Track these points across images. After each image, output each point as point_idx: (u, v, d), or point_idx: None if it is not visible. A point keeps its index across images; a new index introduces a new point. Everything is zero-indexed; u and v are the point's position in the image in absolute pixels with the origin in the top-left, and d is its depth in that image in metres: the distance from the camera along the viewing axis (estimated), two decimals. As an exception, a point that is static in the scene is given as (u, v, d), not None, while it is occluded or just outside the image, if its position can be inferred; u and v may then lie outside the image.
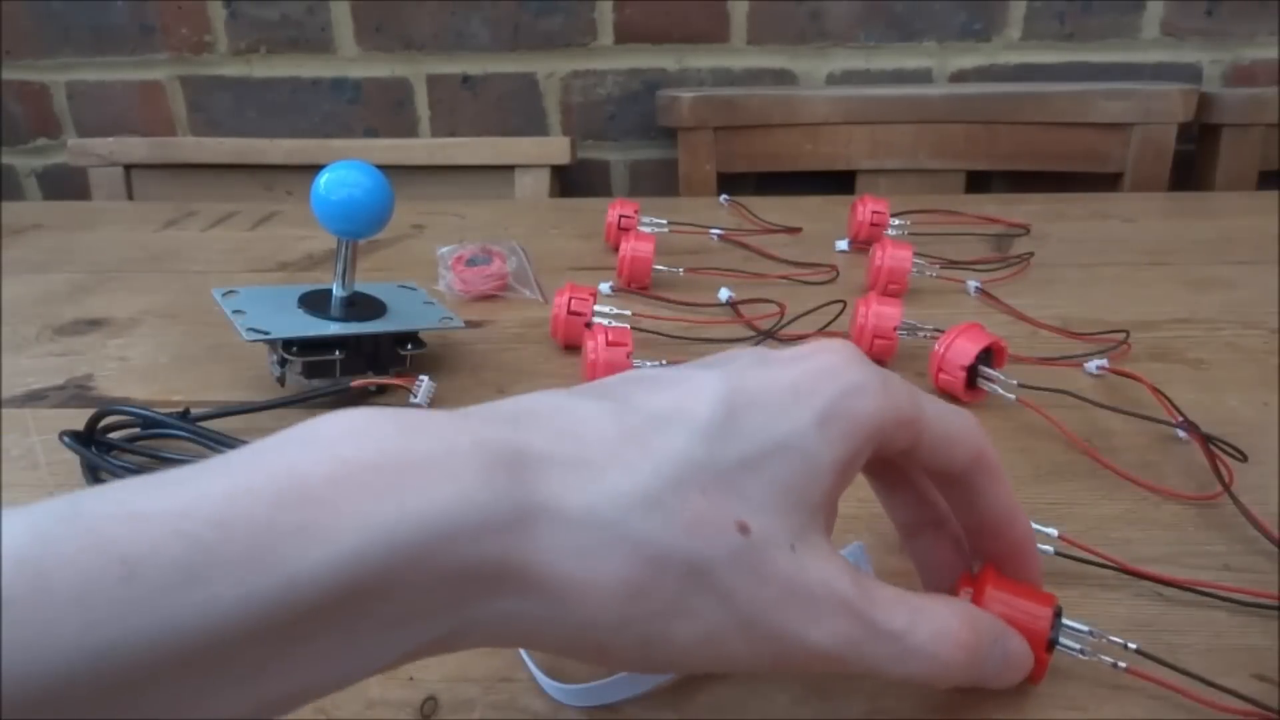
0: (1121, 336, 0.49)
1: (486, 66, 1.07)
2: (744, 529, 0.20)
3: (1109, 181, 0.98)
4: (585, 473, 0.20)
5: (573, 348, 0.51)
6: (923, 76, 1.04)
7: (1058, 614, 0.26)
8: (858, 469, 0.23)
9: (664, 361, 0.45)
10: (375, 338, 0.46)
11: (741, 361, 0.23)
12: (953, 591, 0.26)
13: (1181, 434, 0.39)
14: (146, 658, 0.15)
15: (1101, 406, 0.42)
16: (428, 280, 0.60)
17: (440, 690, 0.27)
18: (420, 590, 0.18)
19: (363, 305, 0.48)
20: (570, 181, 1.09)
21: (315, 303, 0.47)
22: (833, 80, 1.05)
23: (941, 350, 0.44)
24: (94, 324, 0.58)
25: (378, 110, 1.10)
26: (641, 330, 0.50)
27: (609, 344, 0.44)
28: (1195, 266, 0.63)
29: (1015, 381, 0.43)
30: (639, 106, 1.07)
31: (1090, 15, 1.00)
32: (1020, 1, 1.00)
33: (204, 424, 0.40)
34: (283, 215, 0.83)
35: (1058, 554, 0.30)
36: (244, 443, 0.19)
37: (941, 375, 0.44)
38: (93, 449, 0.38)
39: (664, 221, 0.69)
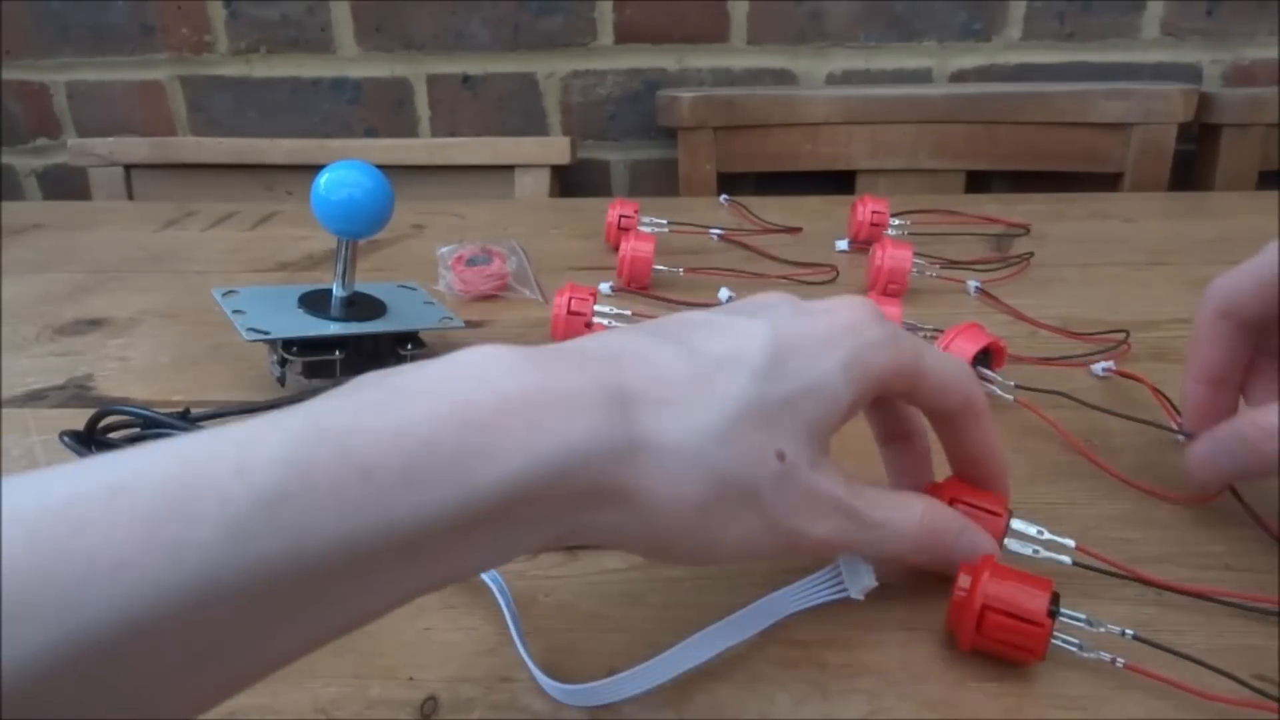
0: (1121, 336, 0.49)
1: (486, 66, 1.07)
2: (781, 456, 0.25)
3: (1109, 181, 0.98)
4: (671, 410, 0.24)
5: (573, 348, 0.51)
6: (923, 76, 1.04)
7: (1055, 600, 0.27)
8: (863, 406, 0.28)
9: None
10: (375, 338, 0.46)
11: (781, 311, 0.28)
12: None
13: (1182, 439, 0.39)
14: (378, 545, 0.19)
15: (1098, 409, 0.41)
16: (428, 280, 0.60)
17: (440, 690, 0.28)
18: (556, 503, 0.22)
19: (363, 305, 0.48)
20: (570, 181, 1.09)
21: (315, 303, 0.47)
22: (833, 80, 1.05)
23: (940, 350, 0.44)
24: (94, 324, 0.58)
25: (378, 110, 1.10)
26: (641, 330, 0.50)
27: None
28: (1195, 266, 0.63)
29: (1013, 383, 0.43)
30: (639, 106, 1.07)
31: (1090, 15, 1.00)
32: (1020, 1, 1.00)
33: (204, 424, 0.40)
34: (283, 215, 0.83)
35: (1075, 564, 0.30)
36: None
37: None
38: (93, 449, 0.38)
39: (664, 221, 0.69)
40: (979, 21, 1.01)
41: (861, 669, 0.28)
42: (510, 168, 1.04)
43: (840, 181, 1.02)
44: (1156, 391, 0.42)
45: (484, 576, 0.30)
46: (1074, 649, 0.27)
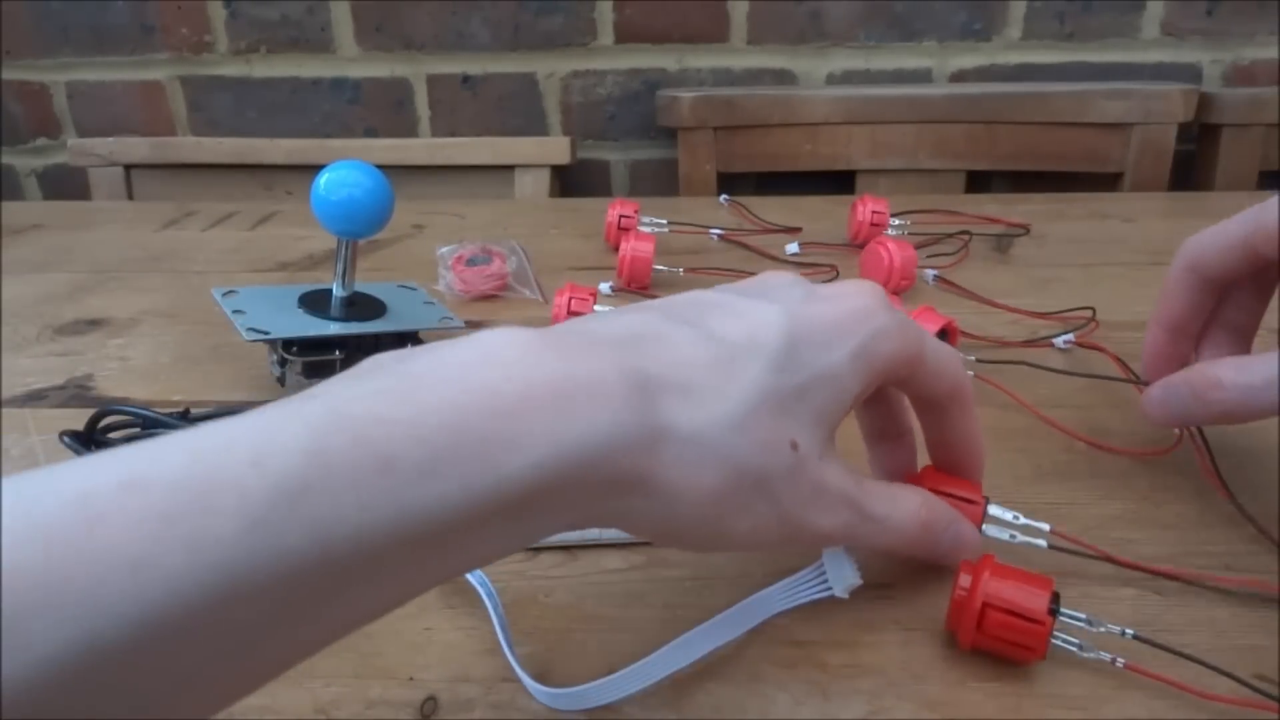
0: (1089, 314, 0.52)
1: (486, 66, 1.07)
2: (794, 446, 0.25)
3: (1109, 181, 0.98)
4: (691, 398, 0.23)
5: (573, 348, 0.51)
6: (923, 76, 1.04)
7: (1055, 599, 0.27)
8: (869, 393, 0.28)
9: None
10: (375, 338, 0.46)
11: (794, 294, 0.27)
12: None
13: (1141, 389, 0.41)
14: (400, 535, 0.18)
15: (1054, 371, 0.44)
16: (428, 280, 0.60)
17: (440, 690, 0.27)
18: (579, 491, 0.21)
19: (363, 305, 0.48)
20: (570, 181, 1.09)
21: (315, 303, 0.47)
22: (833, 80, 1.05)
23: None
24: (94, 324, 0.58)
25: (378, 110, 1.10)
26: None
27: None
28: (1195, 266, 0.63)
29: (973, 358, 0.44)
30: (639, 106, 1.07)
31: (1090, 15, 1.00)
32: (1020, 1, 1.00)
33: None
34: (283, 215, 0.83)
35: (1051, 547, 0.31)
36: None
37: None
38: (93, 449, 0.38)
39: (664, 221, 0.69)
40: (979, 21, 1.01)
41: (861, 669, 0.28)
42: (510, 168, 1.04)
43: (840, 181, 1.02)
44: (1118, 360, 0.44)
45: (473, 582, 0.30)
46: (1074, 649, 0.27)
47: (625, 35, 1.04)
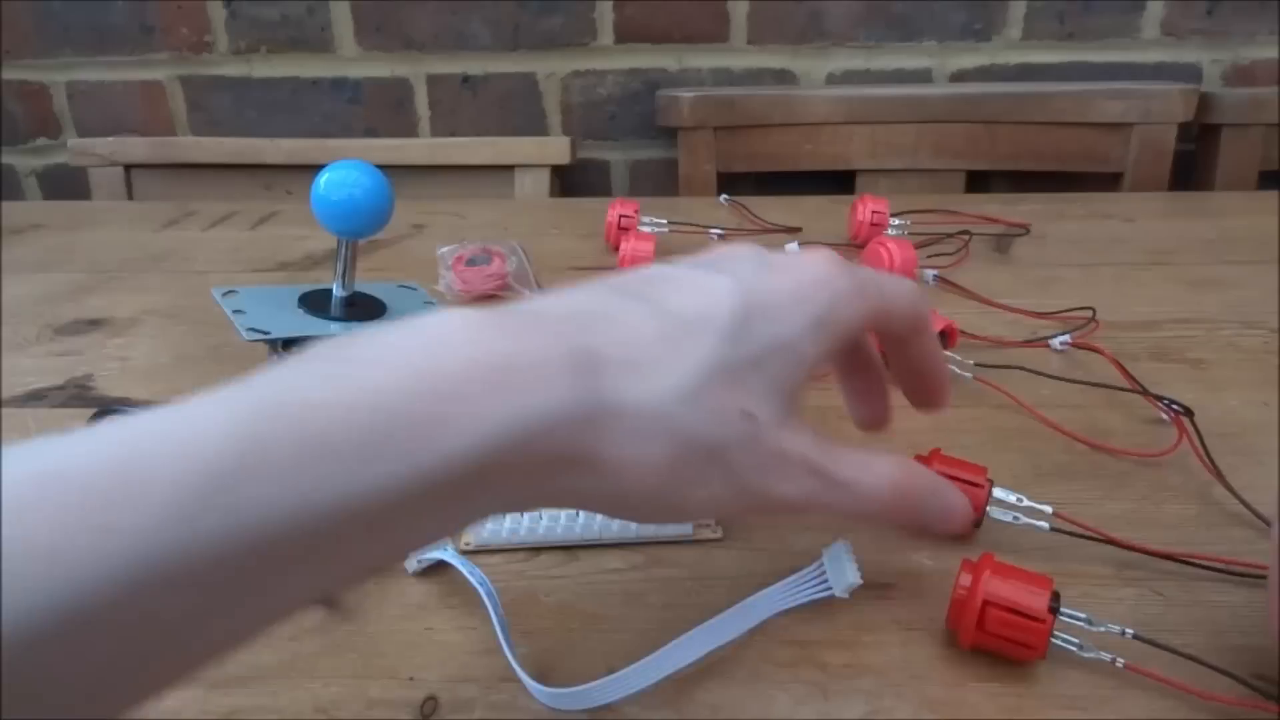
0: (1089, 314, 0.51)
1: (486, 66, 1.07)
2: (749, 416, 0.24)
3: (1109, 181, 0.98)
4: (638, 373, 0.23)
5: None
6: (923, 76, 1.04)
7: (1055, 598, 0.27)
8: (833, 358, 0.28)
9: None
10: (375, 338, 0.46)
11: (749, 266, 0.26)
12: (877, 418, 0.32)
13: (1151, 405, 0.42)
14: (336, 519, 0.18)
15: (1053, 377, 0.44)
16: (428, 280, 0.60)
17: (440, 690, 0.27)
18: (522, 470, 0.21)
19: (363, 305, 0.48)
20: (570, 181, 1.09)
21: (315, 303, 0.47)
22: (833, 80, 1.05)
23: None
24: (94, 324, 0.58)
25: (378, 110, 1.10)
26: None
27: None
28: (1195, 266, 0.63)
29: (972, 361, 0.44)
30: (639, 106, 1.07)
31: (1090, 15, 1.00)
32: (1020, 1, 1.00)
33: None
34: (283, 215, 0.83)
35: (1053, 529, 0.32)
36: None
37: None
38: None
39: (664, 221, 0.69)
40: (979, 21, 1.01)
41: (861, 669, 0.28)
42: (510, 168, 1.04)
43: (840, 181, 1.02)
44: (1115, 361, 0.44)
45: (473, 582, 0.30)
46: (1074, 648, 0.27)
47: (625, 35, 1.04)
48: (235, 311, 0.45)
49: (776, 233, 0.71)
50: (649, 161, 1.10)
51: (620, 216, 0.68)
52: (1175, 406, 0.40)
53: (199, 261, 0.71)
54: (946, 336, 0.46)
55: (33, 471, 0.17)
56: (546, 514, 0.34)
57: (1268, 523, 0.33)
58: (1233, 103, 0.96)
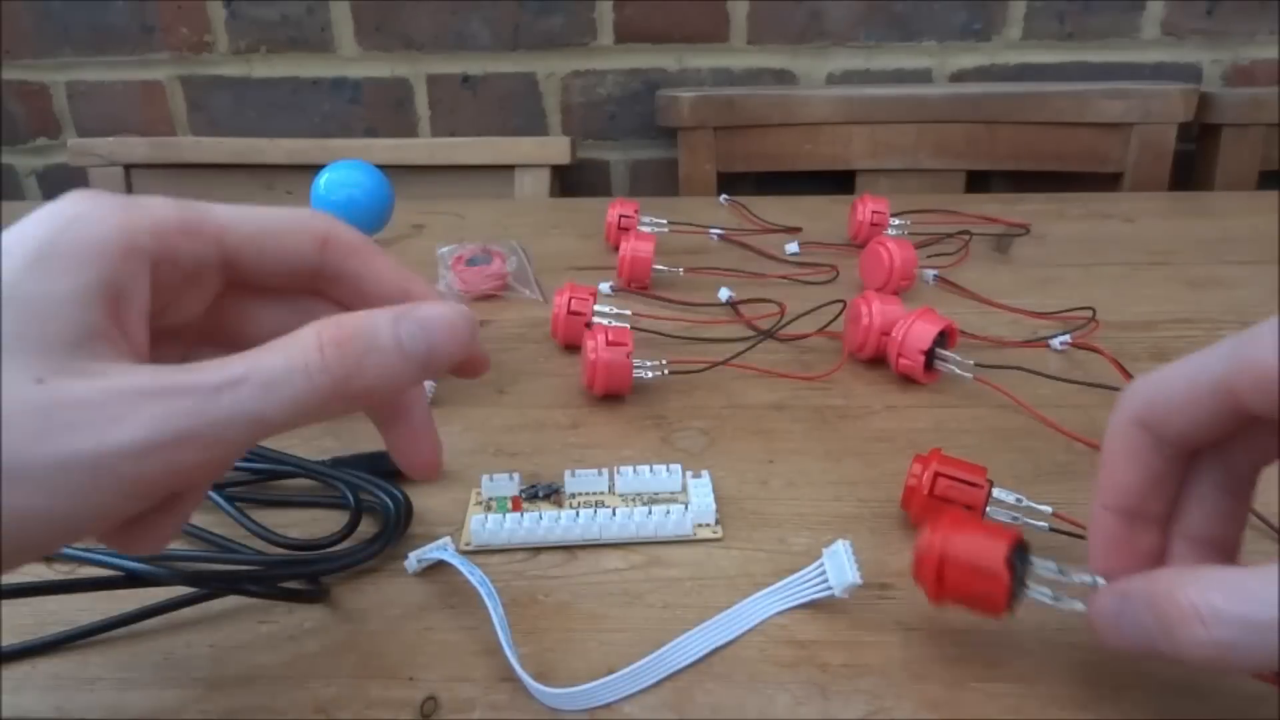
0: (1089, 314, 0.51)
1: (486, 66, 1.07)
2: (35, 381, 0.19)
3: (1109, 181, 0.98)
4: None
5: (573, 348, 0.51)
6: (923, 76, 1.04)
7: (1022, 548, 0.26)
8: (137, 288, 0.22)
9: (663, 361, 0.45)
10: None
11: None
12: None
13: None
14: None
15: (1053, 378, 0.44)
16: (428, 280, 0.59)
17: (440, 690, 0.27)
18: None
19: (363, 305, 0.48)
20: (570, 181, 1.09)
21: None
22: (833, 80, 1.05)
23: (900, 336, 0.45)
24: (94, 324, 0.58)
25: (378, 110, 1.10)
26: (641, 330, 0.50)
27: (609, 344, 0.44)
28: (1195, 266, 0.63)
29: (972, 361, 0.44)
30: (639, 106, 1.07)
31: (1090, 15, 1.00)
32: (1020, 1, 1.00)
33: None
34: (283, 215, 0.83)
35: (1052, 529, 0.32)
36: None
37: (901, 360, 0.45)
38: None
39: (664, 221, 0.69)
40: (979, 21, 1.01)
41: (861, 669, 0.28)
42: (510, 168, 1.04)
43: (840, 181, 1.02)
44: (1114, 361, 0.44)
45: (474, 583, 0.30)
46: (1048, 600, 0.26)
47: (625, 35, 1.04)
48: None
49: (776, 233, 0.71)
50: (649, 161, 1.10)
51: (620, 216, 0.68)
52: None
53: (199, 261, 0.70)
54: (946, 338, 0.46)
55: None
56: (546, 514, 0.34)
57: (1268, 523, 0.33)
58: (1233, 103, 0.96)
